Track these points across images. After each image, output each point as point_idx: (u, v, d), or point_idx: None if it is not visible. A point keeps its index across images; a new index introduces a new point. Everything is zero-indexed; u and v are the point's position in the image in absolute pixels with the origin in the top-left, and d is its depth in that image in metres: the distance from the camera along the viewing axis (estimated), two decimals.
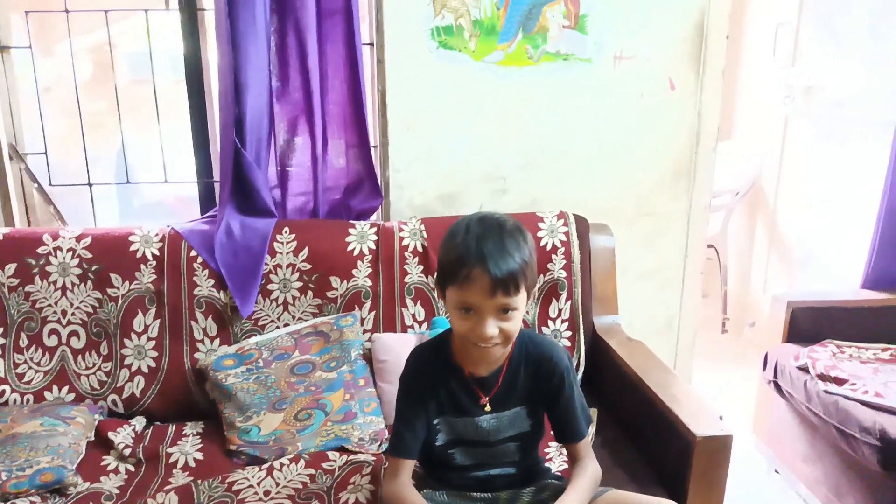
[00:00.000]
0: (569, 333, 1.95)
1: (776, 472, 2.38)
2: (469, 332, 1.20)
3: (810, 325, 2.26)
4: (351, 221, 1.96)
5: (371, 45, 2.05)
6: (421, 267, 1.92)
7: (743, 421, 2.52)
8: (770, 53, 3.35)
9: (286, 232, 1.88)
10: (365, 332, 1.88)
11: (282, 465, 1.57)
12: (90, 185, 2.13)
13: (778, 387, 2.20)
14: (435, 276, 1.74)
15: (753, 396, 2.48)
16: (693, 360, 2.41)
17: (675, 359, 2.37)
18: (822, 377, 1.99)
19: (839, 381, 1.95)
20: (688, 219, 2.28)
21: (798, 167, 3.21)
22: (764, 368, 2.27)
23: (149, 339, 1.81)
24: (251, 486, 1.50)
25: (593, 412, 1.73)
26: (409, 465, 1.32)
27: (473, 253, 1.15)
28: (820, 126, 3.02)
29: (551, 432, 1.40)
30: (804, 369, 2.07)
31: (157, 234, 1.85)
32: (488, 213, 1.24)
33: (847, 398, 1.89)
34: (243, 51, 1.81)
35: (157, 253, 1.82)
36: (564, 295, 1.95)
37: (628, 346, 1.84)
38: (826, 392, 1.95)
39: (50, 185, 2.09)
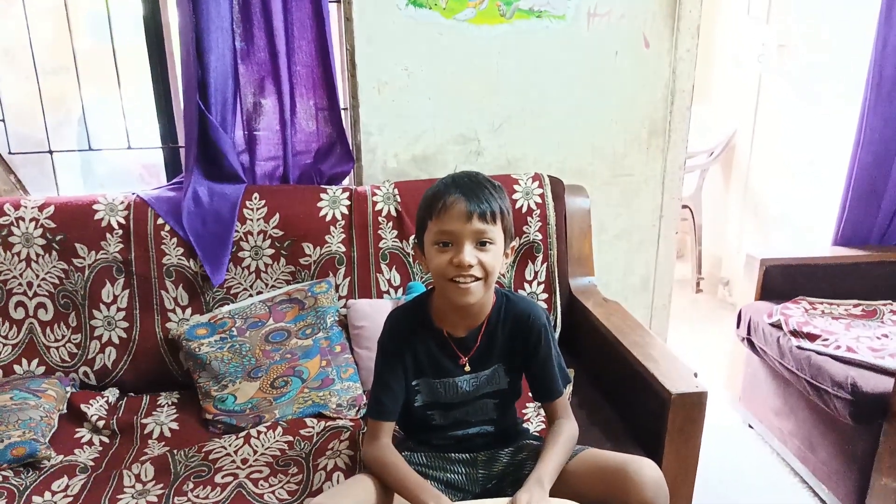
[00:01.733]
0: (545, 296, 1.94)
1: (750, 426, 2.42)
2: (447, 264, 1.20)
3: (783, 282, 2.28)
4: (323, 186, 1.92)
5: (338, 1, 1.98)
6: (395, 232, 1.89)
7: (717, 378, 2.55)
8: (744, 10, 3.33)
9: (256, 198, 1.84)
10: (340, 298, 1.86)
11: (259, 432, 1.56)
12: (51, 152, 2.06)
13: (751, 344, 2.23)
14: (413, 237, 1.71)
15: (727, 354, 2.52)
16: (668, 319, 2.43)
17: (650, 319, 2.39)
18: (795, 333, 2.02)
19: (811, 337, 1.98)
20: (662, 179, 2.28)
21: (772, 126, 3.21)
22: (738, 326, 2.29)
23: (118, 309, 1.77)
24: (228, 454, 1.49)
25: (570, 372, 1.74)
26: (389, 428, 1.32)
27: (450, 186, 1.22)
28: (793, 85, 3.02)
29: (529, 393, 1.41)
30: (777, 326, 2.09)
31: (122, 203, 1.79)
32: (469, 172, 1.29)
33: (819, 353, 1.92)
34: (204, 10, 1.75)
35: (122, 221, 1.77)
36: (540, 257, 1.94)
37: (604, 307, 1.84)
38: (799, 348, 1.97)
39: (10, 153, 2.02)
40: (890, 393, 1.70)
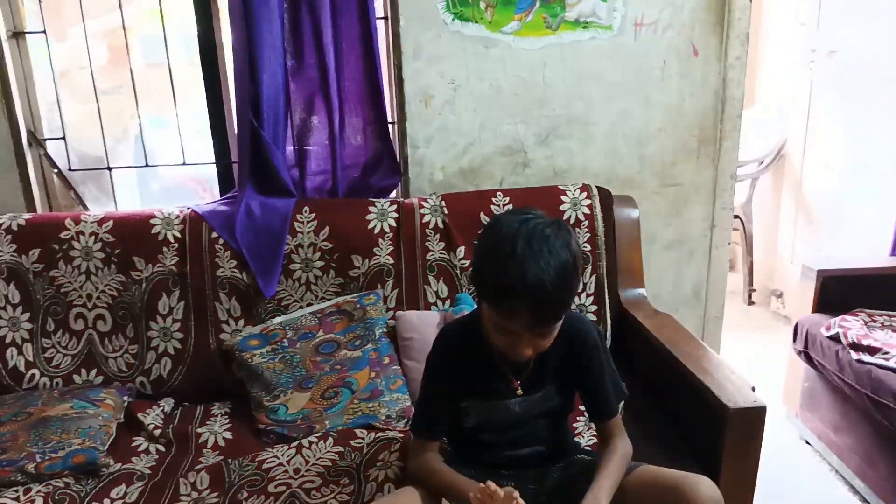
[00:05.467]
0: (595, 308, 1.92)
1: (807, 442, 2.35)
2: (504, 346, 1.19)
3: (840, 294, 2.21)
4: (371, 199, 1.94)
5: (385, 18, 2.01)
6: (443, 244, 1.90)
7: (773, 392, 2.48)
8: (793, 17, 3.26)
9: (306, 211, 1.87)
10: (388, 310, 1.87)
11: (311, 443, 1.57)
12: (109, 168, 2.13)
13: (808, 357, 2.16)
14: (469, 275, 1.69)
15: (782, 367, 2.45)
16: (721, 331, 2.37)
17: (702, 330, 2.34)
18: (854, 346, 1.96)
19: (872, 350, 1.91)
20: (713, 188, 2.24)
21: (823, 133, 3.13)
22: (794, 339, 2.23)
23: (174, 321, 1.81)
24: (281, 464, 1.50)
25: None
26: (435, 446, 1.32)
27: (518, 284, 1.07)
28: (844, 90, 2.94)
29: (580, 407, 1.39)
30: (835, 339, 2.03)
31: (177, 217, 1.84)
32: (534, 221, 1.13)
33: (880, 367, 1.85)
34: (257, 29, 1.79)
35: (178, 235, 1.82)
36: (589, 269, 1.92)
37: (655, 319, 1.81)
38: (858, 361, 1.91)
39: (70, 169, 2.09)
40: None
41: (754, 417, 1.33)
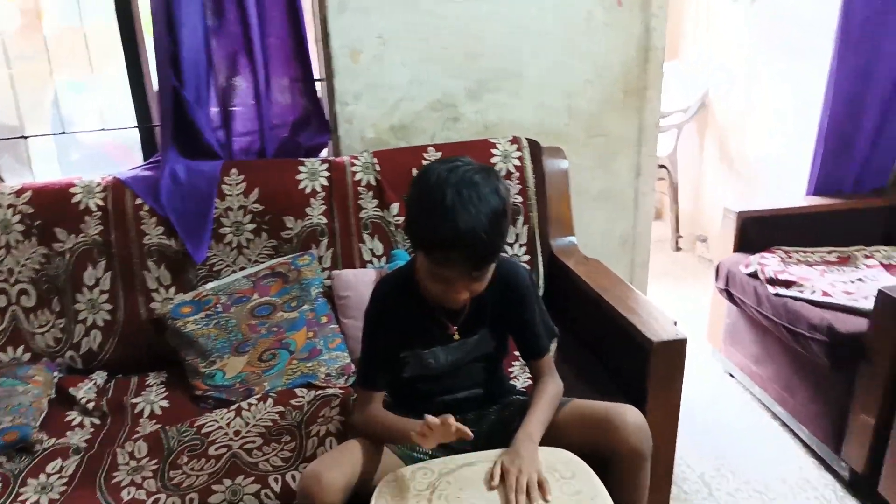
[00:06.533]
0: (527, 257, 1.97)
1: (731, 375, 2.48)
2: (440, 294, 1.21)
3: (759, 234, 2.32)
4: (301, 159, 1.92)
5: None
6: (376, 201, 1.90)
7: (698, 330, 2.60)
8: None
9: (234, 173, 1.83)
10: (323, 269, 1.86)
11: (250, 405, 1.57)
12: (24, 137, 2.03)
13: (730, 295, 2.27)
14: (404, 227, 1.71)
15: (708, 308, 2.56)
16: (648, 276, 2.46)
17: (630, 276, 2.42)
18: (772, 281, 2.06)
19: (788, 284, 2.02)
20: (638, 138, 2.30)
21: (745, 83, 3.24)
22: (716, 278, 2.34)
23: (101, 292, 1.76)
24: (220, 427, 1.50)
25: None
26: (379, 397, 1.34)
27: (451, 234, 1.10)
28: (765, 38, 3.04)
29: (515, 353, 1.43)
30: (754, 276, 2.14)
31: (99, 184, 1.78)
32: (462, 168, 1.15)
33: (795, 299, 1.97)
34: None
35: (101, 203, 1.76)
36: (521, 219, 1.96)
37: (586, 265, 1.87)
38: (776, 295, 2.02)
39: None
40: (865, 333, 1.75)
41: (676, 349, 1.40)
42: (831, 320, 1.82)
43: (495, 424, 1.37)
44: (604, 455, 1.25)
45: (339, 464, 1.21)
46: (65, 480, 1.37)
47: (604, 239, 2.35)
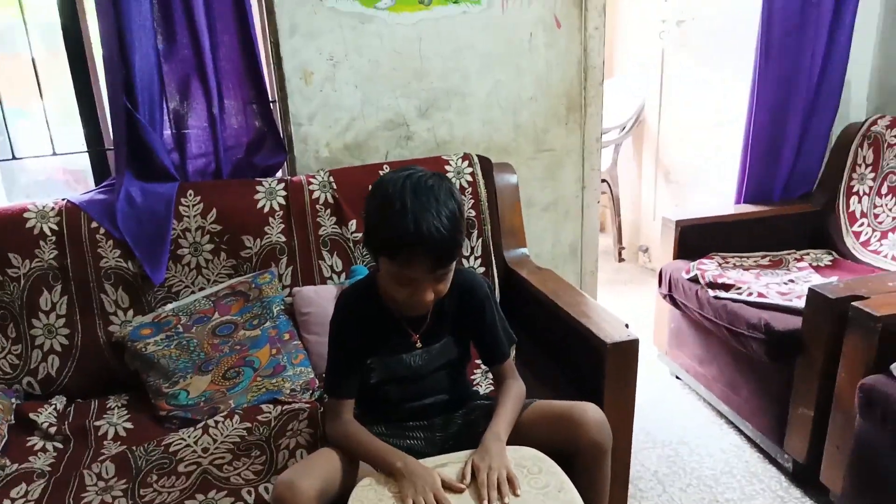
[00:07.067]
0: (483, 269, 2.04)
1: (677, 377, 2.60)
2: (406, 299, 1.25)
3: (697, 241, 2.45)
4: (257, 179, 1.94)
5: None
6: (334, 218, 1.94)
7: (644, 335, 2.70)
8: None
9: (191, 195, 1.85)
10: (284, 287, 1.89)
11: (217, 422, 1.58)
12: None
13: (673, 299, 2.39)
14: (363, 237, 1.76)
15: (652, 313, 2.68)
16: (597, 283, 2.57)
17: (580, 284, 2.52)
18: (711, 285, 2.19)
19: (726, 287, 2.15)
20: (582, 152, 2.41)
21: (676, 98, 3.42)
22: (659, 284, 2.45)
23: (58, 316, 1.74)
24: (188, 445, 1.50)
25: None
26: (350, 405, 1.37)
27: (413, 234, 1.15)
28: (693, 56, 3.22)
29: (477, 361, 1.49)
30: (694, 280, 2.26)
31: (53, 209, 1.77)
32: (417, 175, 1.21)
33: (734, 301, 2.09)
34: (125, 11, 1.74)
35: (55, 227, 1.75)
36: (476, 233, 2.03)
37: (538, 274, 1.95)
38: (715, 298, 2.14)
39: None
40: (799, 330, 1.87)
41: (629, 349, 1.48)
42: (768, 319, 1.94)
43: (462, 428, 1.42)
44: (568, 451, 1.31)
45: (313, 471, 1.23)
46: None
47: (554, 249, 2.45)
